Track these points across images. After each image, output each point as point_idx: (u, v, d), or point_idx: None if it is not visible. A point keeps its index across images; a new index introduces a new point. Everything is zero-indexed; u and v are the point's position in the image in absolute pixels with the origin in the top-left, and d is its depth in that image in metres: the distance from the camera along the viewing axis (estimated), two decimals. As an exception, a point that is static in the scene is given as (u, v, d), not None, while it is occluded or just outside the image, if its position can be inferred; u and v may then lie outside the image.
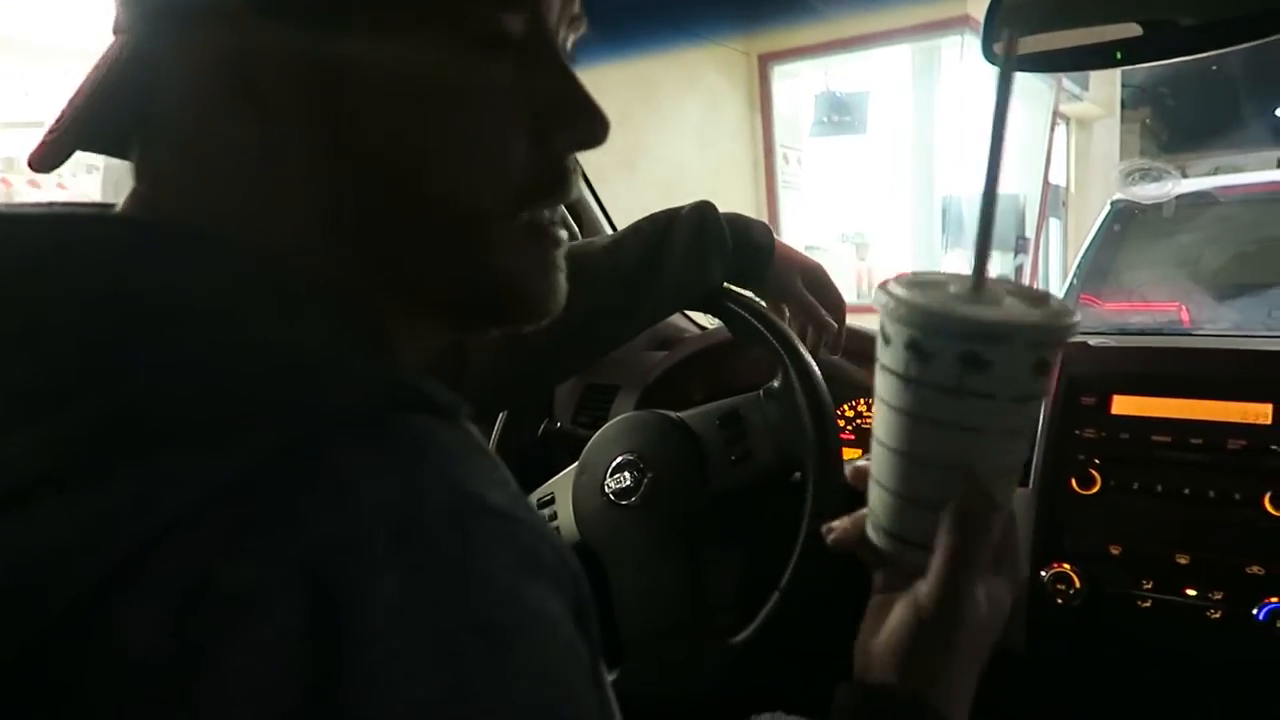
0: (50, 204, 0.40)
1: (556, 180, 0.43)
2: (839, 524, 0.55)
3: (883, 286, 0.45)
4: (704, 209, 0.86)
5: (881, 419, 0.47)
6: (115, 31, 0.41)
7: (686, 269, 0.85)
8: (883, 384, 0.46)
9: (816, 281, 0.92)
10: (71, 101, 0.41)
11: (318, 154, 0.39)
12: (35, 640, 0.28)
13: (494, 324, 0.46)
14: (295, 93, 0.38)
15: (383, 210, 0.40)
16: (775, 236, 0.92)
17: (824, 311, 0.90)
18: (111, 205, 0.42)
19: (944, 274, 0.47)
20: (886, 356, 0.45)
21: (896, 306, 0.43)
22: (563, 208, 0.46)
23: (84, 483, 0.30)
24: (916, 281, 0.45)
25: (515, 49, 0.41)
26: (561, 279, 0.45)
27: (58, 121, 0.41)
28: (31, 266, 0.35)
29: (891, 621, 0.50)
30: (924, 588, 0.48)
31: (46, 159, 0.41)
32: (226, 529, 0.30)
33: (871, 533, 0.51)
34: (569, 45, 0.45)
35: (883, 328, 0.45)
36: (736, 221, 0.89)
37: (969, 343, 0.42)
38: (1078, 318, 0.43)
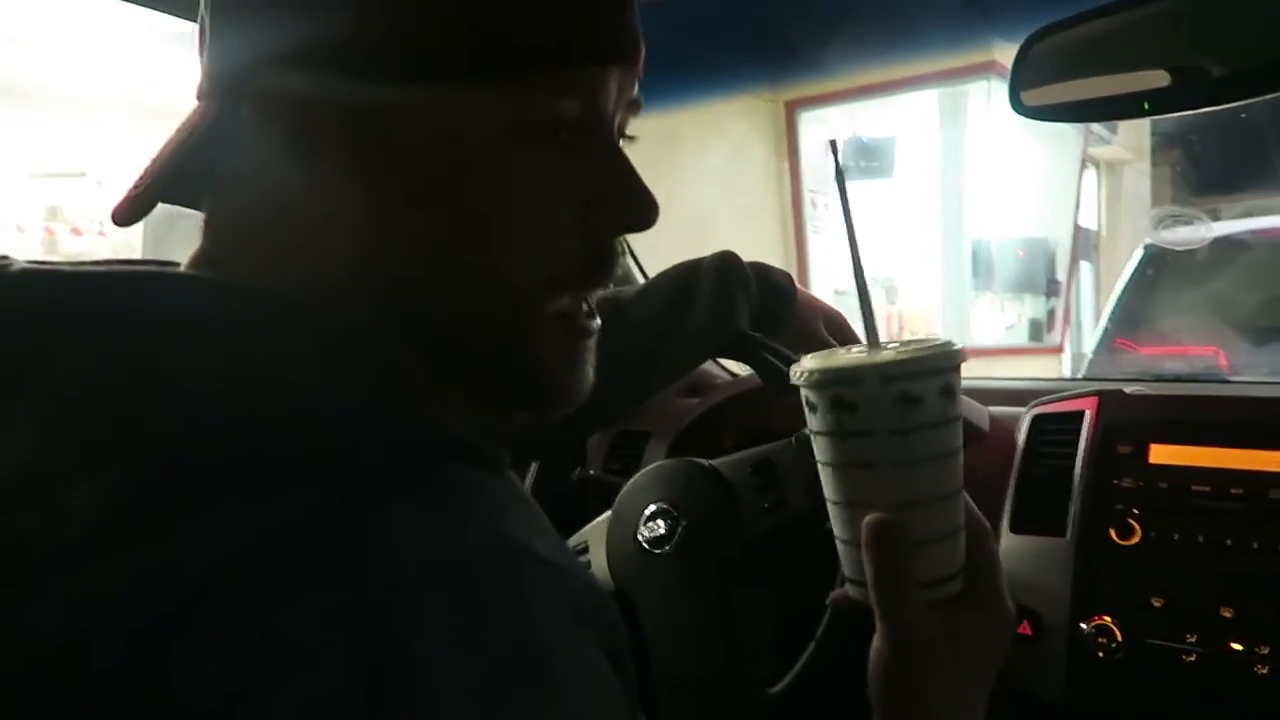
0: (111, 261, 0.42)
1: (602, 262, 0.44)
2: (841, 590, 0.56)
3: (793, 370, 0.51)
4: (727, 257, 0.87)
5: (835, 481, 0.52)
6: (199, 98, 0.43)
7: (713, 316, 0.85)
8: (833, 450, 0.52)
9: (838, 326, 0.92)
10: (154, 161, 0.43)
11: (376, 221, 0.40)
12: (91, 684, 0.29)
13: (519, 408, 0.46)
14: (355, 160, 0.39)
15: (426, 280, 0.41)
16: (796, 283, 0.92)
17: None
18: (170, 262, 0.44)
19: (856, 347, 0.54)
20: (823, 426, 0.51)
21: (796, 373, 0.50)
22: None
23: (142, 531, 0.31)
24: (827, 353, 0.52)
25: (570, 132, 0.41)
26: (589, 370, 0.46)
27: (140, 180, 0.43)
28: (96, 323, 0.37)
29: (876, 654, 0.51)
30: (882, 623, 0.50)
31: (127, 215, 0.43)
32: (277, 577, 0.31)
33: (851, 589, 0.54)
34: (624, 129, 0.46)
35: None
36: (758, 268, 0.89)
37: (835, 388, 0.48)
38: (934, 354, 0.48)
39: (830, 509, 0.53)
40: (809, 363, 0.50)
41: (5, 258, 0.40)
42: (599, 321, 0.46)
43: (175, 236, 0.46)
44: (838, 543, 0.53)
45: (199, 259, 0.44)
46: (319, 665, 0.29)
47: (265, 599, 0.30)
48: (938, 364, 0.49)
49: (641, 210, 0.44)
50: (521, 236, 0.41)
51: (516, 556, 0.34)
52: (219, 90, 0.42)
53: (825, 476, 0.52)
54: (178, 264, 0.44)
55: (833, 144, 0.56)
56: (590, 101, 0.42)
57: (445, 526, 0.34)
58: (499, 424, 0.47)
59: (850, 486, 0.51)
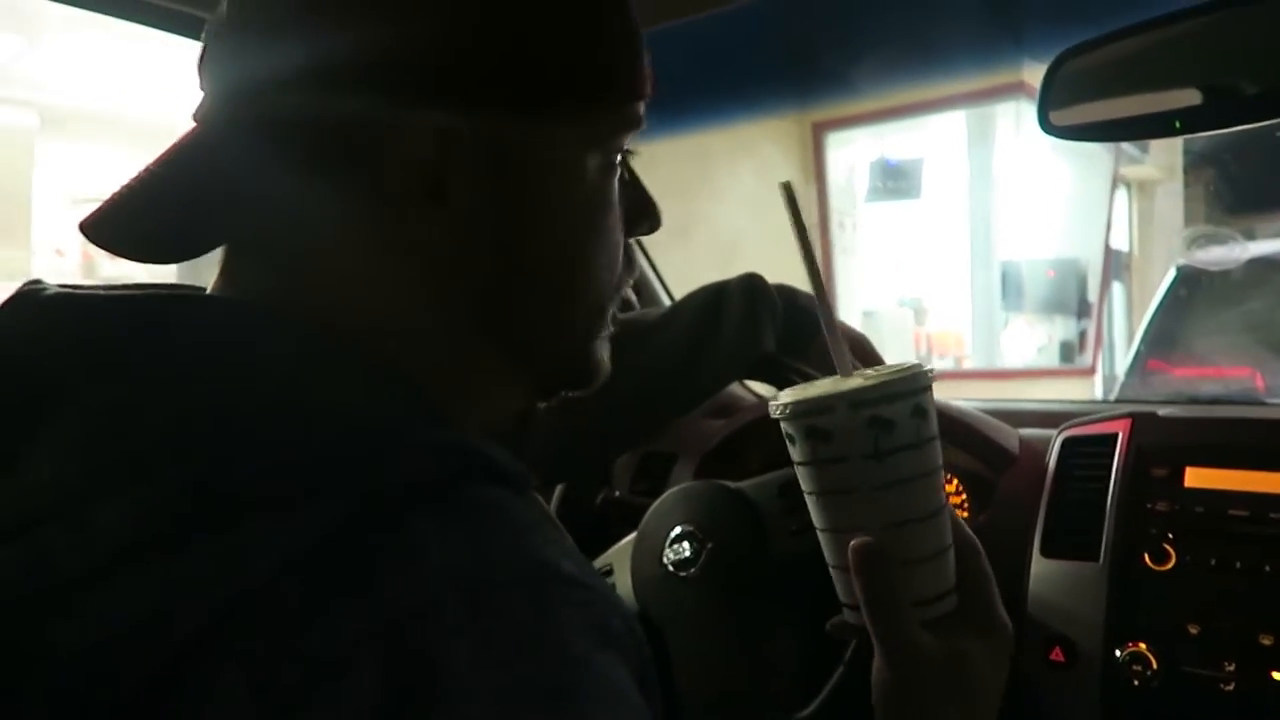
0: (141, 285, 0.42)
1: (631, 266, 0.49)
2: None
3: (770, 406, 0.53)
4: (753, 279, 0.87)
5: (816, 505, 0.54)
6: (199, 119, 0.43)
7: (740, 340, 0.85)
8: (813, 479, 0.53)
9: (862, 351, 0.92)
10: (142, 179, 0.44)
11: (436, 239, 0.41)
12: (119, 703, 0.29)
13: (562, 390, 0.50)
14: (415, 187, 0.40)
15: (518, 294, 0.44)
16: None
17: None
18: (198, 287, 0.44)
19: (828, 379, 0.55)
20: (802, 454, 0.52)
21: (774, 409, 0.52)
22: None
23: (170, 550, 0.31)
24: (804, 386, 0.54)
25: (624, 158, 0.47)
26: (608, 348, 0.50)
27: (125, 191, 0.44)
28: (126, 346, 0.37)
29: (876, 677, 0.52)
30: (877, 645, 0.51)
31: (104, 231, 0.45)
32: (305, 596, 0.31)
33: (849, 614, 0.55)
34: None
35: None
36: (784, 291, 0.89)
37: (809, 418, 0.50)
38: (899, 378, 0.50)
39: (820, 537, 0.54)
40: (785, 396, 0.52)
41: (38, 282, 0.41)
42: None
43: (211, 259, 0.46)
44: (830, 569, 0.54)
45: (225, 280, 0.44)
46: (347, 682, 0.29)
47: (293, 617, 0.30)
48: (905, 387, 0.50)
49: (655, 218, 0.51)
50: (610, 257, 0.46)
51: (542, 574, 0.34)
52: (224, 108, 0.42)
53: (810, 505, 0.54)
54: (204, 288, 0.44)
55: (786, 186, 0.60)
56: (628, 131, 0.46)
57: (470, 544, 0.34)
58: (523, 439, 0.50)
59: (833, 513, 0.52)
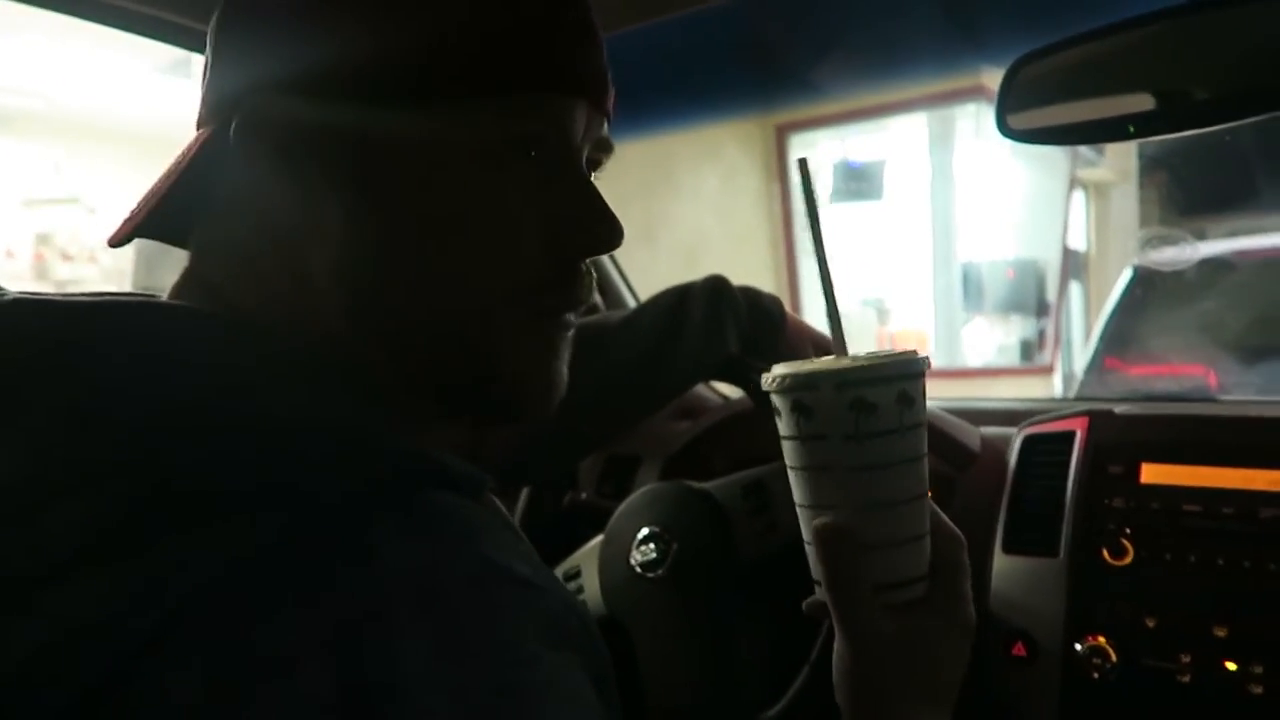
0: (100, 293, 0.42)
1: (565, 282, 0.45)
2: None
3: (765, 378, 0.53)
4: (717, 281, 0.88)
5: (801, 483, 0.54)
6: (198, 126, 0.45)
7: (704, 342, 0.86)
8: (796, 452, 0.54)
9: (825, 352, 0.93)
10: (152, 188, 0.45)
11: (353, 239, 0.41)
12: (75, 702, 0.29)
13: (497, 418, 0.48)
14: (334, 181, 0.41)
15: (399, 295, 0.42)
16: (785, 308, 0.93)
17: None
18: (155, 293, 0.44)
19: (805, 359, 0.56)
20: (788, 427, 0.53)
21: (768, 379, 0.52)
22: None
23: (125, 551, 0.31)
24: (786, 363, 0.54)
25: (538, 157, 0.44)
26: (561, 367, 0.47)
27: (138, 206, 0.45)
28: (85, 351, 0.37)
29: (837, 661, 0.53)
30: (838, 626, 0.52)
31: (121, 239, 0.45)
32: (258, 597, 0.31)
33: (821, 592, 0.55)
34: (596, 166, 0.49)
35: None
36: (748, 293, 0.90)
37: (795, 393, 0.51)
38: (887, 361, 0.51)
39: (798, 512, 0.55)
40: (779, 369, 0.52)
41: None
42: (572, 333, 0.48)
43: (168, 262, 0.47)
44: (805, 545, 0.55)
45: (187, 281, 0.44)
46: (299, 681, 0.29)
47: (246, 618, 0.30)
48: (892, 371, 0.51)
49: (604, 233, 0.46)
50: (486, 248, 0.43)
51: (495, 576, 0.35)
52: (213, 116, 0.44)
53: (791, 479, 0.54)
54: (158, 295, 0.44)
55: (802, 162, 0.58)
56: (558, 129, 0.44)
57: (424, 548, 0.34)
58: (483, 444, 0.48)
59: (809, 489, 0.53)
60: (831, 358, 0.54)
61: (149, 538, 0.32)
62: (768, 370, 0.88)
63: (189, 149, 0.44)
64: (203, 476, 0.33)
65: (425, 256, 0.42)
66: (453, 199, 0.42)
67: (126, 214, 0.45)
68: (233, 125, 0.41)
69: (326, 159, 0.41)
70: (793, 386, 0.51)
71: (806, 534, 0.54)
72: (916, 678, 0.51)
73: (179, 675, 0.29)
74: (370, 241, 0.42)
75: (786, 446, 0.53)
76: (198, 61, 0.47)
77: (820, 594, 0.54)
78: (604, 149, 0.49)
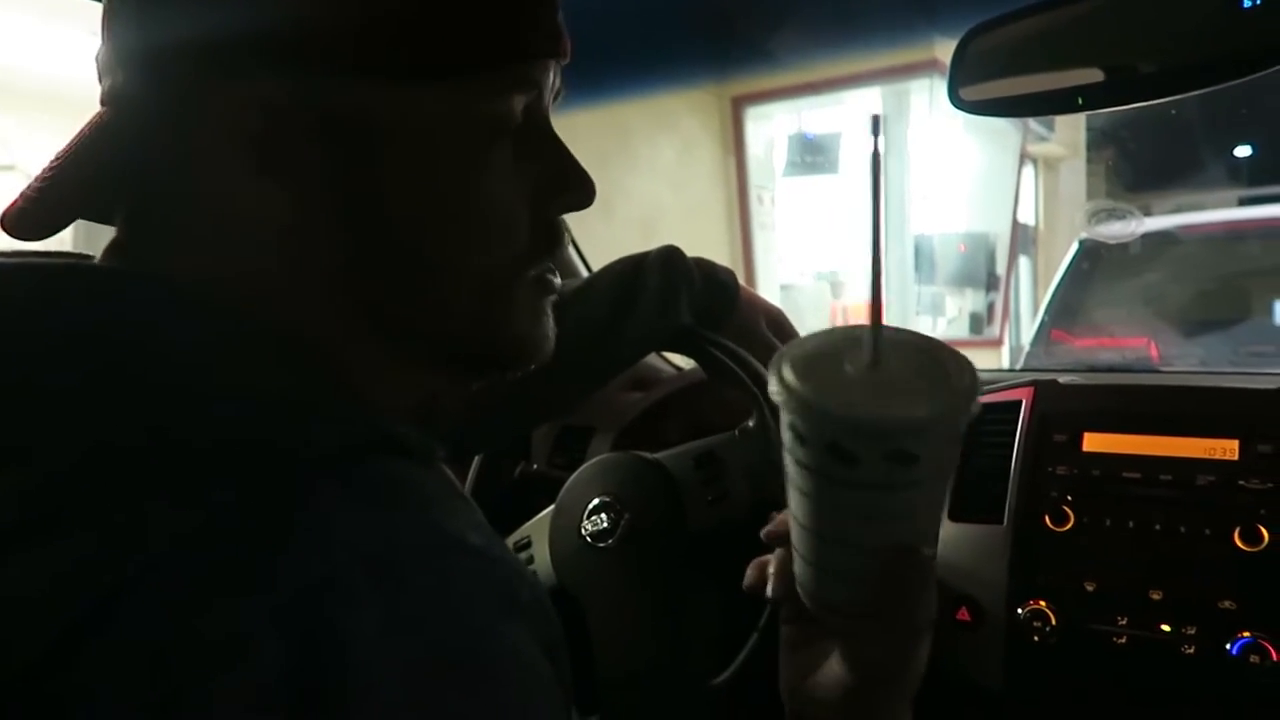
0: (23, 253, 0.40)
1: (553, 241, 0.46)
2: (772, 580, 0.54)
3: (775, 361, 0.42)
4: (671, 252, 0.87)
5: (796, 501, 0.47)
6: (102, 103, 0.42)
7: (657, 312, 0.86)
8: (793, 472, 0.45)
9: (779, 325, 0.93)
10: (55, 168, 0.42)
11: (315, 211, 0.40)
12: (10, 686, 0.28)
13: (490, 371, 0.48)
14: (297, 150, 0.39)
15: (383, 268, 0.41)
16: (739, 280, 0.93)
17: None
18: (88, 256, 0.42)
19: (845, 338, 0.44)
20: (802, 453, 0.43)
21: (778, 391, 0.41)
22: None
23: (60, 530, 0.30)
24: (813, 354, 0.43)
25: (516, 127, 0.43)
26: (551, 324, 0.49)
27: (45, 179, 0.42)
28: (13, 317, 0.35)
29: (833, 675, 0.50)
30: (873, 651, 0.48)
31: (27, 224, 0.41)
32: (203, 574, 0.30)
33: (801, 595, 0.51)
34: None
35: (785, 420, 0.43)
36: (703, 265, 0.90)
37: (832, 433, 0.41)
38: (926, 413, 0.40)
39: (816, 542, 0.47)
40: (825, 397, 0.40)
41: None
42: (559, 279, 0.49)
43: (109, 231, 0.44)
44: (810, 568, 0.48)
45: (116, 251, 0.42)
46: (250, 659, 0.28)
47: (192, 596, 0.30)
48: (918, 422, 0.41)
49: (583, 191, 0.47)
50: (486, 228, 0.43)
51: (447, 546, 0.34)
52: (137, 78, 0.41)
53: (826, 517, 0.46)
54: (92, 257, 0.42)
55: (875, 119, 0.48)
56: (536, 95, 0.44)
57: (374, 518, 0.33)
58: (435, 412, 0.48)
59: (873, 532, 0.45)
60: (857, 366, 0.42)
61: (85, 516, 0.30)
62: (723, 341, 0.89)
63: (95, 125, 0.42)
64: (141, 451, 0.32)
65: (417, 241, 0.41)
66: (441, 180, 0.41)
67: (32, 188, 0.41)
68: (168, 93, 0.39)
69: (290, 136, 0.39)
70: (833, 425, 0.40)
71: (846, 563, 0.47)
72: (904, 693, 0.51)
73: (121, 660, 0.28)
74: (348, 223, 0.40)
75: (809, 479, 0.44)
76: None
77: (810, 605, 0.50)
78: (560, 94, 0.49)
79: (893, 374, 0.41)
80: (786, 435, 0.44)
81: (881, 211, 0.43)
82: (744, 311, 0.91)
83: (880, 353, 0.42)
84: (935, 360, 0.42)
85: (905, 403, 0.40)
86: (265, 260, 0.40)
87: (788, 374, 0.42)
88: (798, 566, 0.50)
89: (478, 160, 0.42)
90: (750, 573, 0.57)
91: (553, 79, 0.46)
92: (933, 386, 0.41)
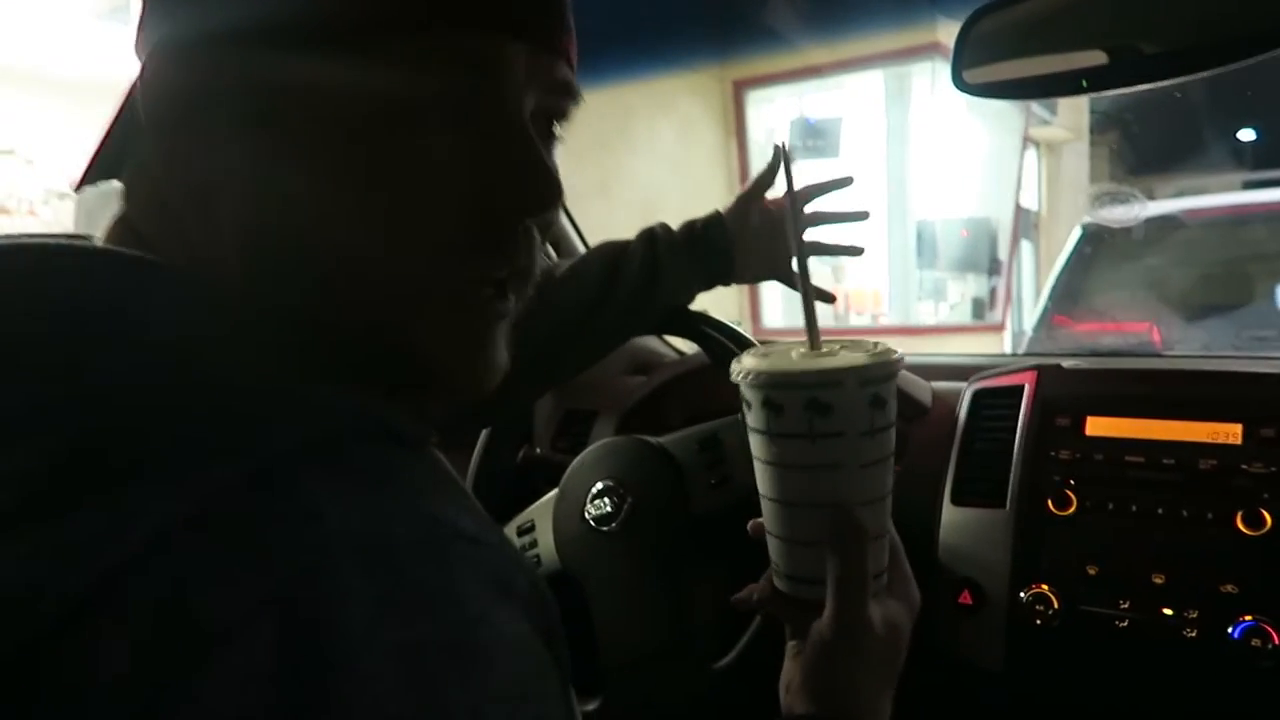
0: (19, 235, 0.40)
1: (494, 245, 0.40)
2: (757, 587, 0.59)
3: (736, 359, 0.52)
4: (657, 230, 0.89)
5: (758, 473, 0.54)
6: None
7: (641, 290, 0.88)
8: (752, 442, 0.53)
9: (778, 232, 0.95)
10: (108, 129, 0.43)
11: (263, 190, 0.39)
12: (1, 671, 0.28)
13: (417, 390, 0.43)
14: (241, 129, 0.38)
15: (303, 251, 0.39)
16: (727, 225, 0.92)
17: (815, 240, 0.98)
18: (85, 236, 0.42)
19: (785, 342, 0.55)
20: (750, 418, 0.52)
21: (750, 374, 0.50)
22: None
23: (46, 516, 0.30)
24: (764, 352, 0.53)
25: (463, 105, 0.39)
26: (496, 355, 0.43)
27: (99, 148, 0.43)
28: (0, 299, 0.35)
29: (802, 657, 0.54)
30: (823, 617, 0.53)
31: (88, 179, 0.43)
32: (193, 561, 0.30)
33: (775, 579, 0.56)
34: (557, 116, 0.44)
35: (742, 394, 0.52)
36: (694, 234, 0.90)
37: (811, 391, 0.49)
38: (899, 356, 0.51)
39: (780, 509, 0.53)
40: (763, 365, 0.50)
41: None
42: (512, 304, 0.43)
43: (109, 214, 0.44)
44: (780, 542, 0.54)
45: (118, 227, 0.42)
46: (240, 650, 0.28)
47: (182, 582, 0.29)
48: (896, 367, 0.51)
49: (538, 193, 0.41)
50: (395, 212, 0.38)
51: (440, 532, 0.34)
52: (141, 60, 0.41)
53: (779, 478, 0.52)
54: (90, 238, 0.42)
55: (780, 148, 0.59)
56: (490, 76, 0.39)
57: (366, 504, 0.33)
58: (419, 408, 0.45)
59: (813, 489, 0.52)
60: (781, 351, 0.53)
61: (70, 503, 0.30)
62: (724, 323, 0.89)
63: (129, 91, 0.42)
64: (128, 437, 0.31)
65: (325, 222, 0.38)
66: (355, 158, 0.37)
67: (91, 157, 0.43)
68: (149, 71, 0.39)
69: (231, 108, 0.38)
70: (813, 383, 0.49)
71: (796, 531, 0.53)
72: (890, 661, 0.53)
73: (106, 651, 0.28)
74: (271, 203, 0.38)
75: (787, 444, 0.51)
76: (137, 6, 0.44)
77: (797, 589, 0.55)
78: (564, 93, 0.43)
79: (825, 354, 0.52)
80: (744, 410, 0.51)
81: (800, 228, 0.58)
82: (742, 259, 0.92)
83: (818, 341, 0.53)
84: (862, 344, 0.53)
85: (823, 363, 0.50)
86: (232, 240, 0.39)
87: (745, 358, 0.52)
88: (772, 549, 0.55)
89: (397, 133, 0.38)
90: (740, 594, 0.60)
91: (525, 65, 0.40)
92: (850, 356, 0.51)
